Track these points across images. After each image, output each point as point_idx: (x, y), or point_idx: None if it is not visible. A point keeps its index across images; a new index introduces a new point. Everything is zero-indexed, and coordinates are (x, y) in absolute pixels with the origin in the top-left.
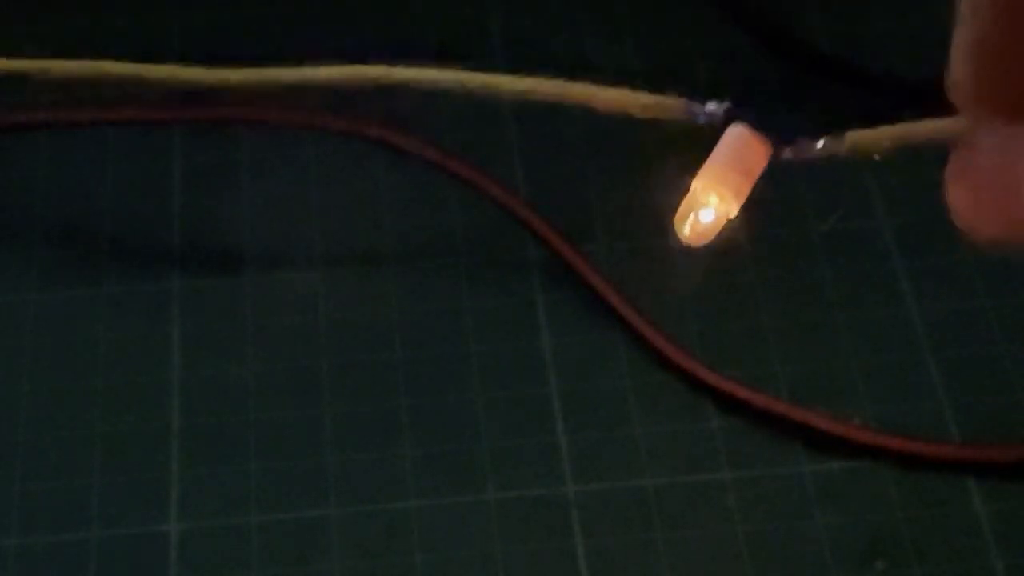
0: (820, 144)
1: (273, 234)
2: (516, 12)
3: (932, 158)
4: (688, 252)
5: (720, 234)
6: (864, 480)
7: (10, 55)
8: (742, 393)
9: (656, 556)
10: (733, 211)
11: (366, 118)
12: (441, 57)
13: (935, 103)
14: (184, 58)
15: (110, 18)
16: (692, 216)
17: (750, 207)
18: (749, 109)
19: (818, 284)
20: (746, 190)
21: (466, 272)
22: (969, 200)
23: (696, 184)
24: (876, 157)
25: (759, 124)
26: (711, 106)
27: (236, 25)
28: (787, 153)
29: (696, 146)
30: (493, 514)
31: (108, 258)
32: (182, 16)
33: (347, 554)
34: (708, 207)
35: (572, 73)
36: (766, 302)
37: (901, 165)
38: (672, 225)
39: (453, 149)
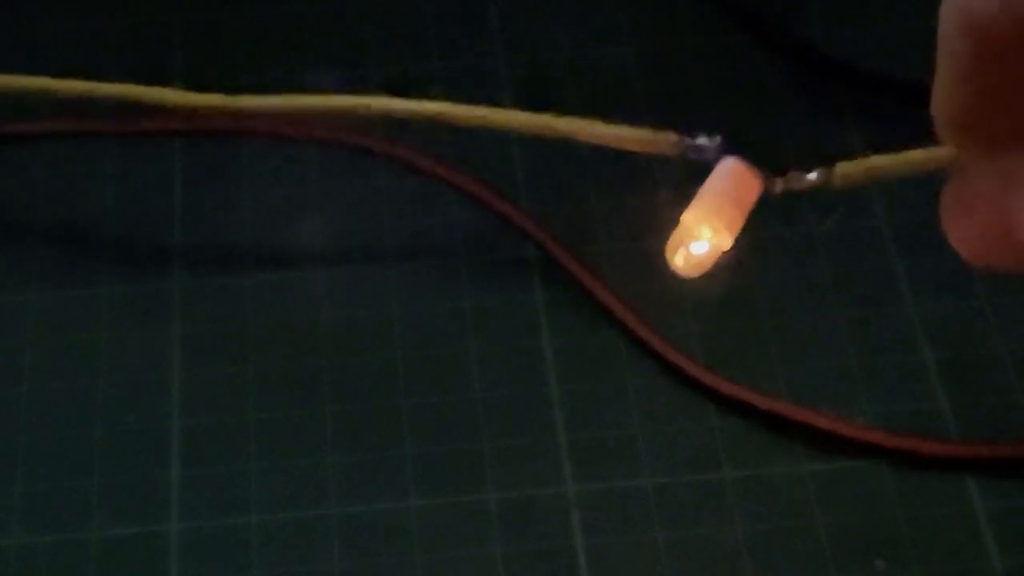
0: (812, 176)
1: (273, 234)
2: (516, 12)
3: None
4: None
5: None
6: (864, 480)
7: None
8: (742, 393)
9: (656, 556)
10: (726, 244)
11: (374, 135)
12: (441, 60)
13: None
14: (185, 59)
15: (111, 18)
16: (684, 248)
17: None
18: (740, 144)
19: (818, 284)
20: (739, 222)
21: (466, 272)
22: (965, 230)
23: (687, 216)
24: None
25: (750, 157)
26: (703, 140)
27: (237, 25)
28: (779, 185)
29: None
30: (493, 514)
31: (109, 258)
32: (183, 16)
33: (347, 554)
34: (700, 240)
35: (572, 75)
36: (766, 302)
37: None
38: (664, 254)
39: (451, 154)
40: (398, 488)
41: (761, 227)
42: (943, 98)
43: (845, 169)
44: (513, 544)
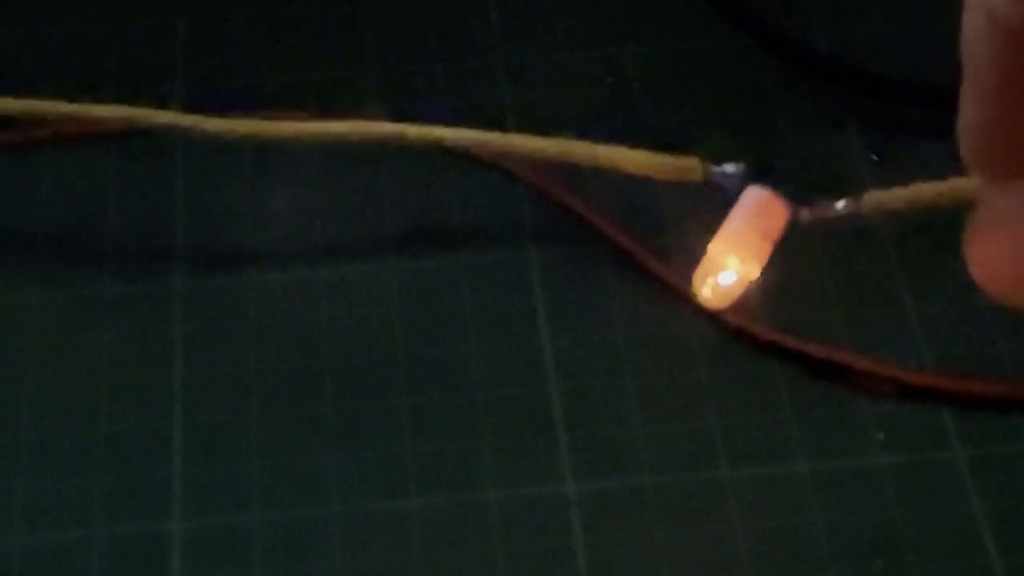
0: (840, 205)
1: (274, 234)
2: (516, 12)
3: (932, 158)
4: (689, 254)
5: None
6: (864, 479)
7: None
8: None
9: (656, 555)
10: (754, 274)
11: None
12: (441, 60)
13: (935, 104)
14: (186, 59)
15: (111, 18)
16: (712, 279)
17: None
18: (767, 171)
19: (818, 284)
20: (766, 252)
21: (466, 272)
22: (991, 264)
23: (714, 247)
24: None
25: (776, 185)
26: (729, 168)
27: (237, 25)
28: (805, 214)
29: None
30: (493, 514)
31: (110, 258)
32: (183, 16)
33: (347, 554)
34: (728, 270)
35: (572, 75)
36: (765, 302)
37: (900, 166)
38: (692, 286)
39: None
40: (398, 488)
41: None
42: (971, 128)
43: (873, 198)
44: (513, 544)
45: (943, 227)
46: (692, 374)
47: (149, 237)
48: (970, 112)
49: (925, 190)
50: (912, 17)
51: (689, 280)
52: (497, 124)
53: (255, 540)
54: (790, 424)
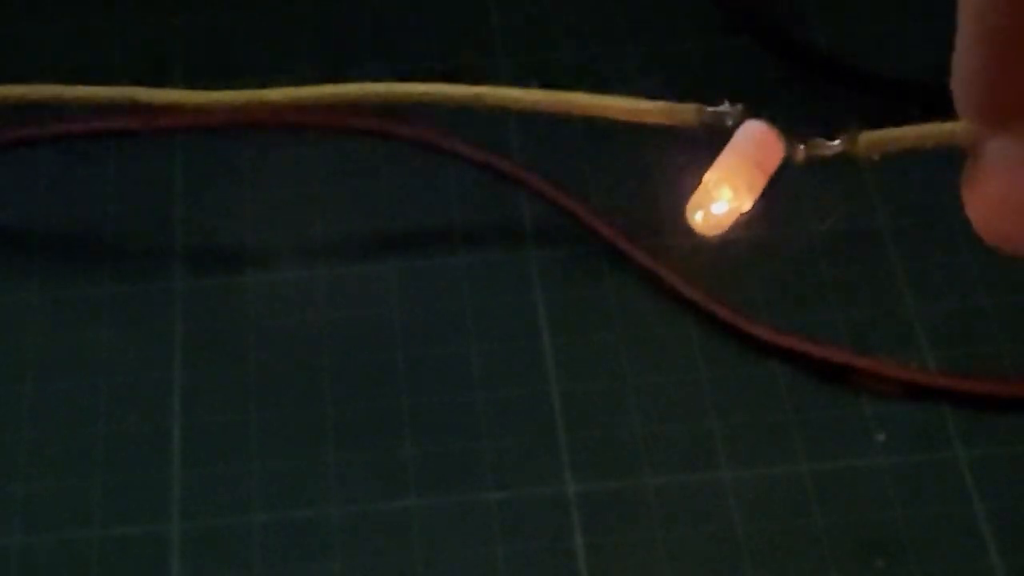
0: (835, 143)
1: (274, 234)
2: (516, 12)
3: (931, 158)
4: (689, 254)
5: (734, 225)
6: (864, 479)
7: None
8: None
9: (656, 556)
10: (746, 205)
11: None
12: (441, 60)
13: (935, 104)
14: (186, 60)
15: (111, 18)
16: (704, 208)
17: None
18: (764, 110)
19: (818, 284)
20: (760, 185)
21: (466, 272)
22: (981, 202)
23: (709, 177)
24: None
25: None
26: (725, 106)
27: (237, 25)
28: (801, 152)
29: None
30: (493, 514)
31: (110, 258)
32: (183, 16)
33: (347, 554)
34: (721, 200)
35: (572, 75)
36: (765, 302)
37: (901, 165)
38: (685, 214)
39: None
40: (398, 488)
41: (761, 227)
42: (963, 64)
43: (869, 138)
44: (513, 544)
45: (943, 227)
46: (692, 374)
47: (149, 237)
48: (965, 58)
49: (920, 132)
50: (912, 17)
51: (689, 281)
52: (497, 123)
53: (255, 540)
54: (790, 424)
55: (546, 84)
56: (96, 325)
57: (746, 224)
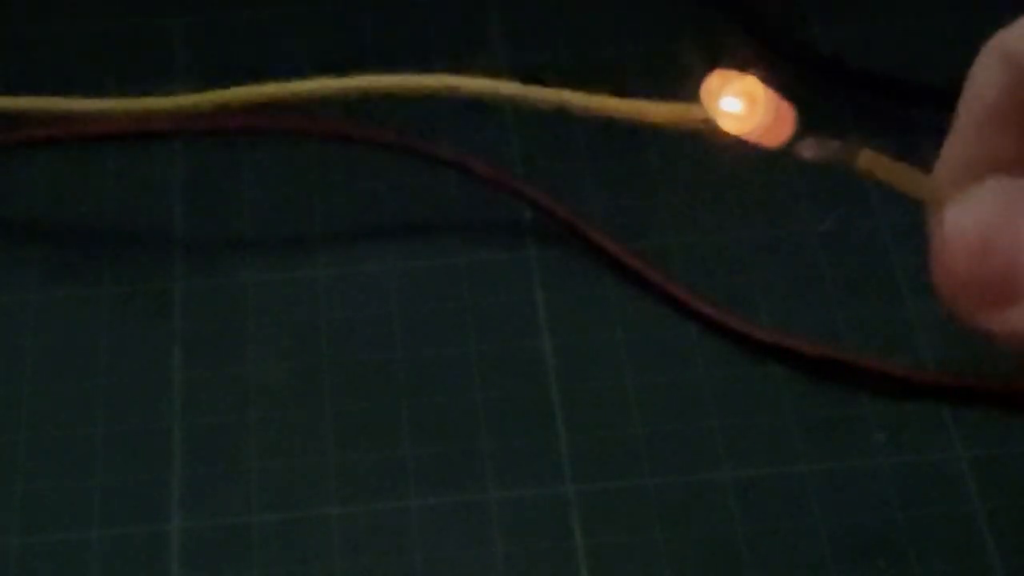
0: (836, 147)
1: (274, 233)
2: (516, 12)
3: (931, 157)
4: (688, 254)
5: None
6: (865, 479)
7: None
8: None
9: (656, 556)
10: (758, 87)
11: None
12: (441, 60)
13: (935, 104)
14: (185, 59)
15: (111, 18)
16: (717, 109)
17: (750, 206)
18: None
19: (818, 284)
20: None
21: (466, 272)
22: (949, 280)
23: (705, 86)
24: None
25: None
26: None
27: (237, 25)
28: (804, 146)
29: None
30: (493, 514)
31: (109, 258)
32: (183, 16)
33: (347, 554)
34: (736, 98)
35: (573, 75)
36: (765, 302)
37: None
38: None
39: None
40: (398, 488)
41: (761, 227)
42: (962, 144)
43: (868, 156)
44: (513, 544)
45: None
46: (692, 374)
47: (149, 237)
48: (965, 134)
49: (912, 178)
50: (912, 17)
51: (689, 282)
52: (498, 122)
53: (255, 540)
54: (790, 424)
55: (546, 84)
56: (95, 325)
57: (746, 224)
